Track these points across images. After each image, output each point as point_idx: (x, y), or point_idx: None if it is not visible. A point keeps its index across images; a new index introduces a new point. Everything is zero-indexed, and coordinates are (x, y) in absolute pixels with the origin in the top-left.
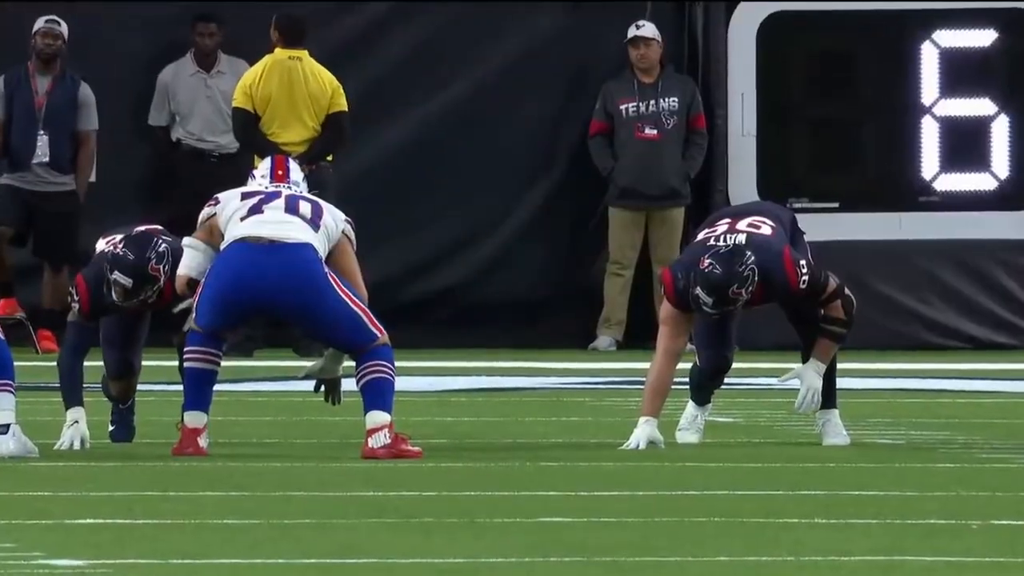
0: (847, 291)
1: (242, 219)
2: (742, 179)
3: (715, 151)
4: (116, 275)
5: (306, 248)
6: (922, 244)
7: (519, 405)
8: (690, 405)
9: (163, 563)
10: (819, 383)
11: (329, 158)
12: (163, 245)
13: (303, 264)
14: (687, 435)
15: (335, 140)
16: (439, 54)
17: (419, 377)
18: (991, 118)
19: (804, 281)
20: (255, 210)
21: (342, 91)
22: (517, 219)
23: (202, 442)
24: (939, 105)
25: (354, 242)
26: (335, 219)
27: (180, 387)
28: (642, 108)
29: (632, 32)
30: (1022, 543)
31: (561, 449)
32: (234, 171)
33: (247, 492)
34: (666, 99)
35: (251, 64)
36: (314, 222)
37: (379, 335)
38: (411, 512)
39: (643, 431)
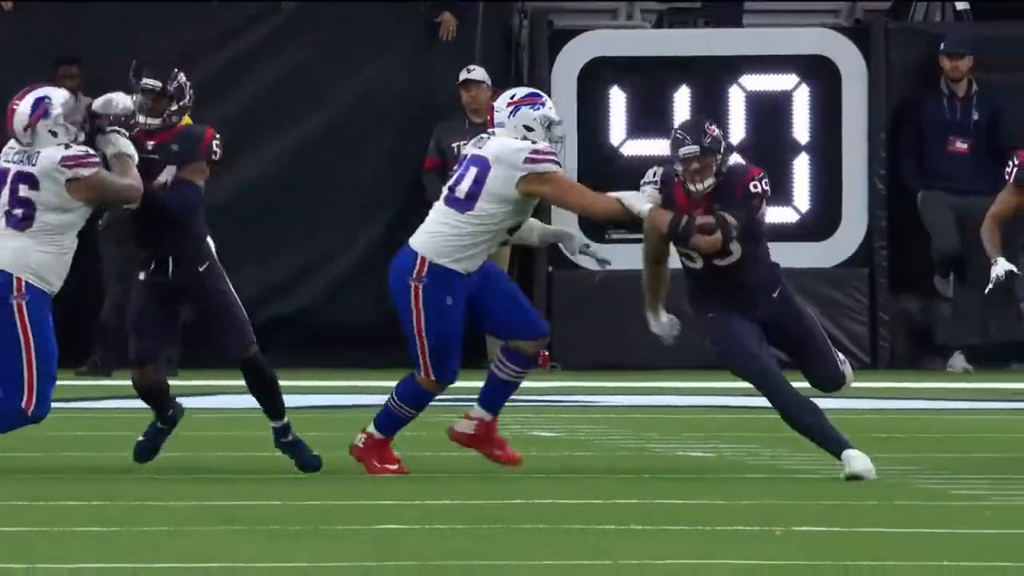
0: (721, 234)
1: None
2: (565, 212)
3: None
4: (145, 80)
5: None
6: None
7: (356, 421)
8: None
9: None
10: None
11: None
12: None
13: None
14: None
15: None
16: (292, 95)
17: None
18: (792, 156)
19: (756, 186)
20: None
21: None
22: (359, 248)
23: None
24: (745, 144)
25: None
26: None
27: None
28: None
29: (463, 75)
30: (820, 548)
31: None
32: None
33: (109, 501)
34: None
35: None
36: None
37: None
38: (258, 520)
39: (656, 324)
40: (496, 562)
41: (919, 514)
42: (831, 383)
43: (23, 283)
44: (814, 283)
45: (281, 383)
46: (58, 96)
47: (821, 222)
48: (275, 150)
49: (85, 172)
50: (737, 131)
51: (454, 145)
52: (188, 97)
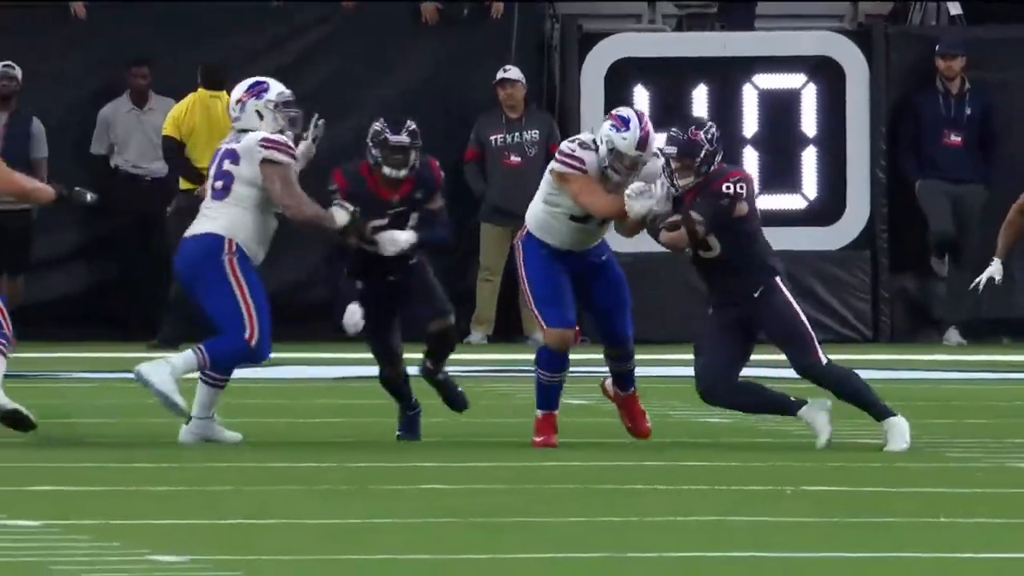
0: (687, 233)
1: None
2: None
3: None
4: (392, 136)
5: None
6: None
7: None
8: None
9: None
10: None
11: None
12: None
13: None
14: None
15: None
16: (340, 90)
17: (321, 366)
18: (801, 148)
19: (728, 187)
20: None
21: None
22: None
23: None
24: (758, 137)
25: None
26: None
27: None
28: (508, 139)
29: (500, 75)
30: (827, 505)
31: (443, 426)
32: (164, 192)
33: (177, 464)
34: (528, 132)
35: (177, 102)
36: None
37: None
38: (314, 480)
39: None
40: (532, 519)
41: (917, 475)
42: (801, 367)
43: (233, 243)
44: (821, 264)
45: (335, 355)
46: (276, 86)
47: (827, 209)
48: (329, 142)
49: (279, 157)
50: (750, 125)
51: (492, 138)
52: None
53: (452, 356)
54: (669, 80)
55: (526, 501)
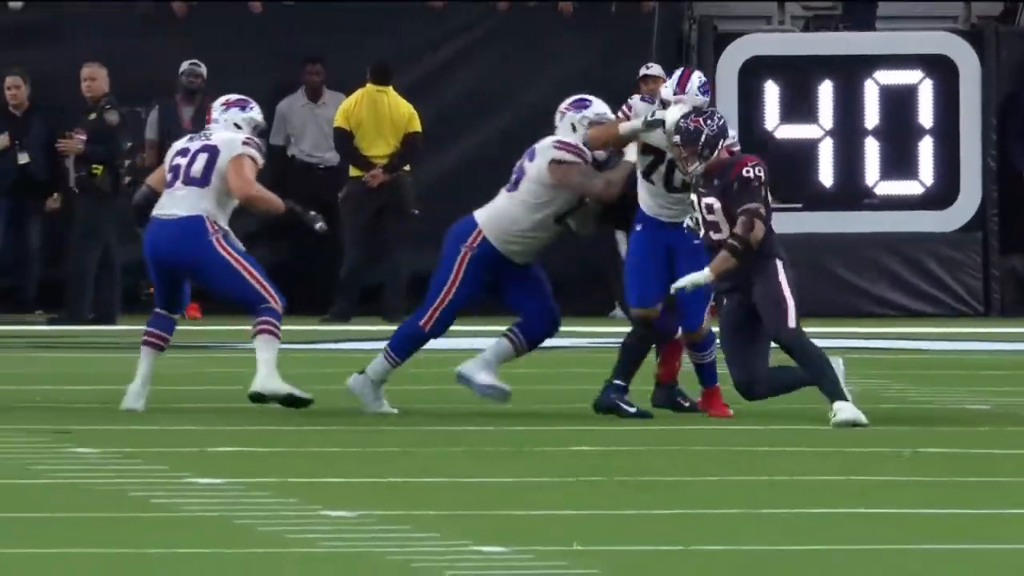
0: (757, 221)
1: None
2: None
3: None
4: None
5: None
6: (866, 237)
7: (559, 360)
8: None
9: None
10: (699, 279)
11: (407, 168)
12: None
13: None
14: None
15: (411, 154)
16: (492, 90)
17: (480, 337)
18: (918, 139)
19: (748, 172)
20: None
21: (417, 117)
22: None
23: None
24: (879, 129)
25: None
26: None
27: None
28: None
29: (643, 71)
30: (937, 466)
31: (589, 393)
32: (336, 179)
33: (349, 427)
34: None
35: (347, 96)
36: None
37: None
38: (476, 442)
39: None
40: (671, 478)
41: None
42: (775, 336)
43: (481, 236)
44: (936, 245)
45: (490, 328)
46: (597, 104)
47: (942, 194)
48: (482, 135)
49: (569, 157)
50: (872, 118)
51: None
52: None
53: (602, 329)
54: (797, 76)
55: (666, 462)
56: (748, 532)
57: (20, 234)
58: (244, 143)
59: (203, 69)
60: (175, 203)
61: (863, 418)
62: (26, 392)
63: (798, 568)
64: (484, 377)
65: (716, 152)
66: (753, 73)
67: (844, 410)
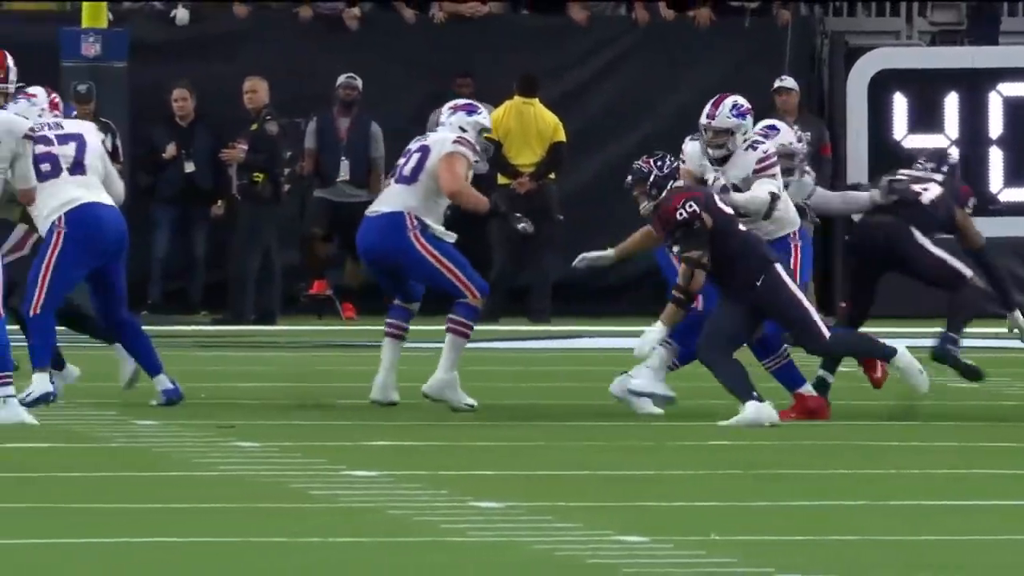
0: (697, 271)
1: None
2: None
3: (837, 171)
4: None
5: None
6: (990, 242)
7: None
8: None
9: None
10: (655, 334)
11: (552, 176)
12: None
13: None
14: None
15: (555, 163)
16: (633, 101)
17: (620, 338)
18: None
19: (682, 214)
20: None
21: (562, 127)
22: None
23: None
24: (1003, 138)
25: None
26: None
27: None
28: None
29: (777, 83)
30: None
31: (722, 390)
32: (486, 185)
33: (493, 422)
34: (801, 134)
35: (495, 108)
36: None
37: None
38: (617, 437)
39: None
40: (802, 471)
41: None
42: (810, 350)
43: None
44: None
45: (634, 328)
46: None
47: None
48: (624, 144)
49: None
50: (995, 128)
51: None
52: None
53: None
54: (924, 89)
55: (799, 456)
56: (877, 523)
57: (186, 239)
58: (455, 142)
59: (358, 82)
60: (384, 200)
61: (773, 417)
62: (192, 389)
63: (927, 557)
64: (651, 387)
65: (663, 192)
66: (882, 85)
67: (749, 410)
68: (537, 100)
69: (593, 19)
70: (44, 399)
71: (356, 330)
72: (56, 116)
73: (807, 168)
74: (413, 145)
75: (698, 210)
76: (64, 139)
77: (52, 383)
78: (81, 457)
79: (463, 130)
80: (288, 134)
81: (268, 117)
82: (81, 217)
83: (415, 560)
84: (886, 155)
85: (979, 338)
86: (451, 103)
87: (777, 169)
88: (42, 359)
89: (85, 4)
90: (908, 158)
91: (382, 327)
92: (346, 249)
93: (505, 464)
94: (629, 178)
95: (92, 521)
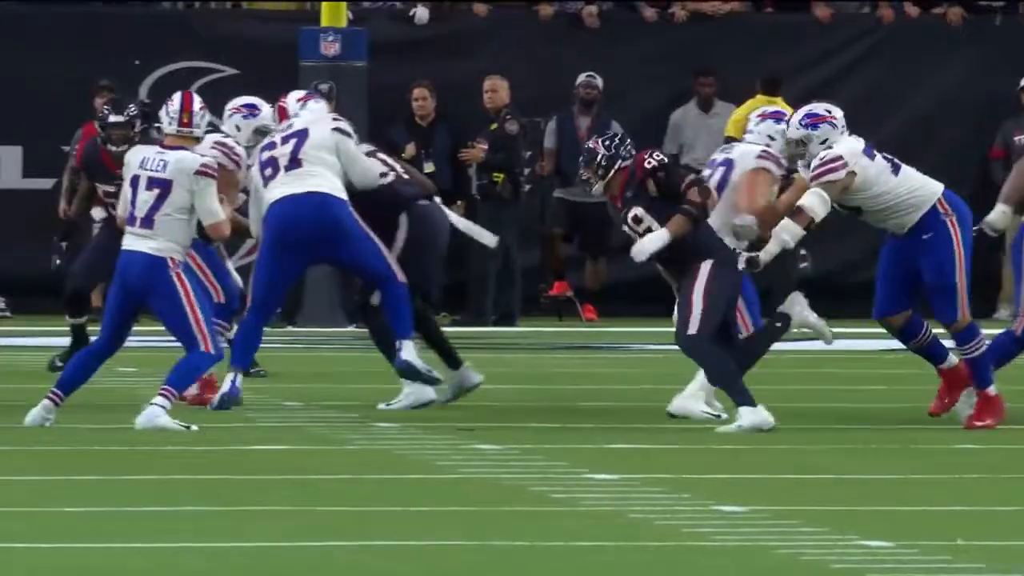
0: (708, 187)
1: None
2: None
3: None
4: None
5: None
6: None
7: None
8: None
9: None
10: (656, 240)
11: (796, 174)
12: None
13: None
14: None
15: None
16: (878, 99)
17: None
18: None
19: (651, 163)
20: None
21: None
22: None
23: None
24: None
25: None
26: None
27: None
28: None
29: (1022, 83)
30: None
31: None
32: None
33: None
34: None
35: (738, 107)
36: None
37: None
38: (862, 441)
39: None
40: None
41: None
42: (678, 341)
43: None
44: None
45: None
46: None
47: None
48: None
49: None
50: None
51: (1016, 139)
52: None
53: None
54: None
55: (854, 458)
56: None
57: None
58: (760, 156)
59: (599, 81)
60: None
61: (769, 422)
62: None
63: None
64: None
65: (610, 172)
66: None
67: (746, 415)
68: (780, 99)
69: (836, 16)
70: (231, 401)
71: (596, 331)
72: (288, 123)
73: None
74: (717, 157)
75: (665, 159)
76: (287, 138)
77: (234, 383)
78: (320, 459)
79: (771, 139)
80: (528, 133)
81: (508, 116)
82: (270, 214)
83: (657, 565)
84: None
85: None
86: (761, 109)
87: (834, 176)
88: (240, 361)
89: (325, 4)
90: None
91: (623, 328)
92: (586, 249)
93: (748, 468)
94: (580, 159)
95: (329, 523)
